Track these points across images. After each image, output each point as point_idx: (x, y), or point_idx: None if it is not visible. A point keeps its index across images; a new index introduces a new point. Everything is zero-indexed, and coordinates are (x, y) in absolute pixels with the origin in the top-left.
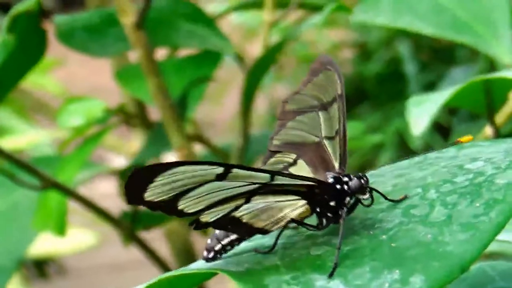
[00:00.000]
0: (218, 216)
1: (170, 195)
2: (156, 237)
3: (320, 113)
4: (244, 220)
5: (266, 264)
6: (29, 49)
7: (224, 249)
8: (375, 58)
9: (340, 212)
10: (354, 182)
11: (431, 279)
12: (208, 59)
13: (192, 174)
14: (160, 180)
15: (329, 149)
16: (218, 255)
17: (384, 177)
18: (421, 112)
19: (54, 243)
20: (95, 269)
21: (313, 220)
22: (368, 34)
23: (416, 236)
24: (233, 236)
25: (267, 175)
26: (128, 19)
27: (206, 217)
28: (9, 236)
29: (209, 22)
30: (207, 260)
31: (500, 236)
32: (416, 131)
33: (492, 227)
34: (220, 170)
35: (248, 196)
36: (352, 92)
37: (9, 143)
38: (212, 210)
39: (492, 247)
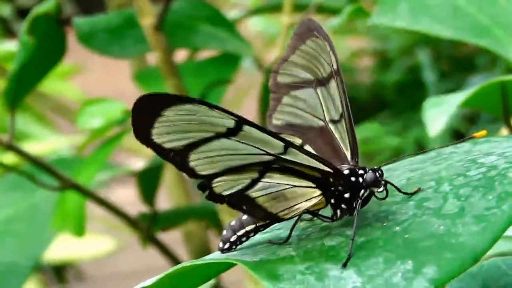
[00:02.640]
0: (233, 191)
1: (180, 143)
2: (173, 242)
3: (318, 90)
4: (259, 202)
5: (280, 254)
6: (49, 51)
7: (239, 240)
8: (394, 67)
9: (354, 204)
10: (369, 175)
11: (444, 270)
12: (227, 62)
13: (203, 118)
14: (168, 115)
15: (336, 135)
16: (234, 246)
17: (399, 171)
18: (437, 113)
19: (73, 249)
20: (113, 276)
21: (327, 212)
22: (388, 42)
23: (429, 228)
24: (249, 227)
25: (281, 144)
26: (147, 21)
27: (219, 187)
28: (28, 237)
29: (229, 24)
30: (223, 251)
31: None
32: (433, 131)
33: (504, 219)
34: (231, 123)
35: (261, 170)
36: (372, 100)
37: (28, 149)
38: (225, 178)
39: (506, 246)
